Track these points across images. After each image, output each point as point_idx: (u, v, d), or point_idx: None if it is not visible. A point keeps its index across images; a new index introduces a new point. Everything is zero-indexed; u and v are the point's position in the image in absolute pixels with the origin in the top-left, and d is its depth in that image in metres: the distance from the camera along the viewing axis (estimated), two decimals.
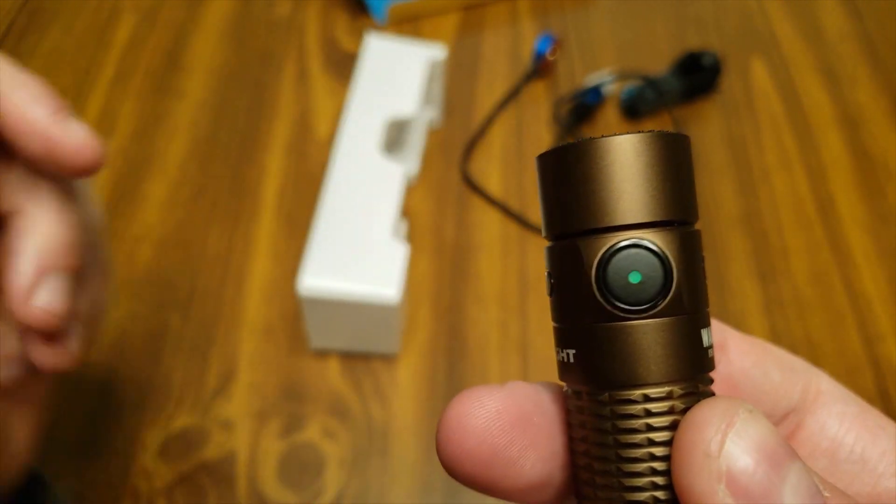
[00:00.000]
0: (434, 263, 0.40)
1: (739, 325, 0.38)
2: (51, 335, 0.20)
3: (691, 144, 0.13)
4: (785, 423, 0.16)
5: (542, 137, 0.46)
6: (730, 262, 0.40)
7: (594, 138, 0.12)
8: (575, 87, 0.48)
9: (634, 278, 0.12)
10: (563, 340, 0.13)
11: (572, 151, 0.13)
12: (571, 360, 0.13)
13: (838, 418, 0.16)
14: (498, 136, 0.46)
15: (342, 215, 0.34)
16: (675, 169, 0.13)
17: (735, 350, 0.16)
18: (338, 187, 0.35)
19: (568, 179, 0.13)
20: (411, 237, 0.40)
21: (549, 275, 0.13)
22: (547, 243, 0.14)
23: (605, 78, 0.47)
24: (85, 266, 0.21)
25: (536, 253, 0.41)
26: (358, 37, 0.51)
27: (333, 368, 0.36)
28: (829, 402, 0.16)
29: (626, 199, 0.12)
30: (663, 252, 0.12)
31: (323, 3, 0.53)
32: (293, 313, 0.37)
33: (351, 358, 0.36)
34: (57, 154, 0.20)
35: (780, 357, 0.16)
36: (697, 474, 0.12)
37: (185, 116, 0.46)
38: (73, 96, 0.46)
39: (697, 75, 0.47)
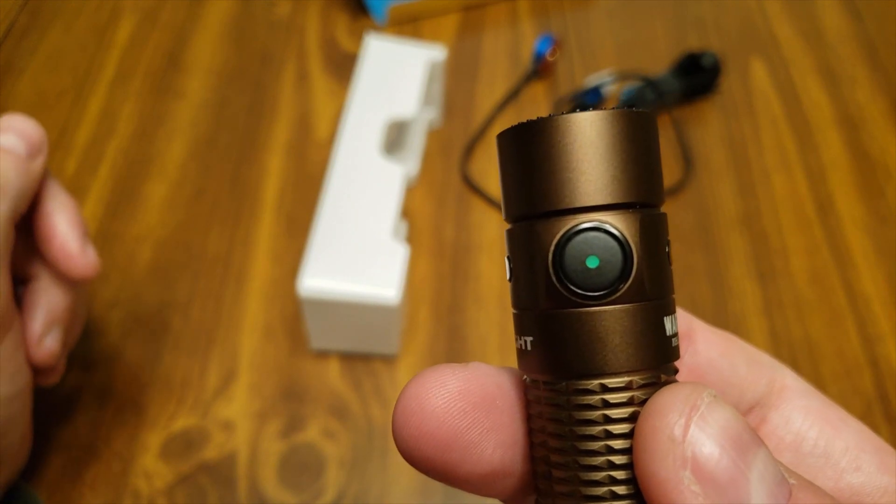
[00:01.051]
0: (434, 264, 0.40)
1: (739, 325, 0.38)
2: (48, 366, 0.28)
3: (656, 123, 0.13)
4: (750, 416, 0.16)
5: None
6: (729, 263, 0.41)
7: (553, 115, 0.12)
8: (575, 88, 0.48)
9: (592, 263, 0.12)
10: (521, 327, 0.13)
11: (531, 129, 0.12)
12: (529, 347, 0.13)
13: (802, 412, 0.16)
14: None
15: (342, 216, 0.34)
16: (638, 148, 0.12)
17: (702, 340, 0.16)
18: (338, 188, 0.35)
19: (526, 159, 0.12)
20: (411, 238, 0.41)
21: (509, 259, 0.13)
22: (507, 226, 0.13)
23: (604, 78, 0.47)
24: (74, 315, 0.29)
25: None
26: (358, 37, 0.51)
27: (334, 369, 0.36)
28: (793, 397, 0.16)
29: (585, 179, 0.12)
30: (623, 235, 0.12)
31: (323, 4, 0.53)
32: (293, 314, 0.37)
33: (351, 358, 0.36)
34: (71, 268, 0.27)
35: (746, 350, 0.16)
36: (661, 460, 0.11)
37: (186, 117, 0.46)
38: (73, 96, 0.46)
39: (697, 76, 0.47)
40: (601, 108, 0.12)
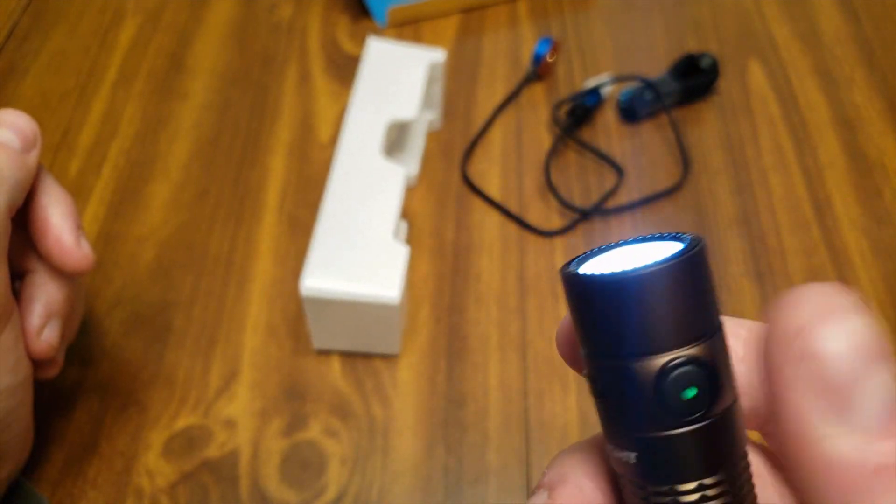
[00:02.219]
0: (434, 264, 0.40)
1: None
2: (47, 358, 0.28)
3: (706, 253, 0.14)
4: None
5: (542, 139, 0.46)
6: (727, 263, 0.41)
7: (627, 274, 0.13)
8: (574, 90, 0.49)
9: (690, 393, 0.13)
10: (621, 444, 0.14)
11: (607, 286, 0.13)
12: (633, 461, 0.14)
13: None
14: (497, 138, 0.46)
15: (344, 217, 0.35)
16: (704, 283, 0.13)
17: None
18: (340, 189, 0.36)
19: (605, 310, 0.13)
20: (412, 238, 0.41)
21: (594, 383, 0.14)
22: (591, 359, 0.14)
23: (603, 80, 0.47)
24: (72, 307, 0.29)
25: (536, 253, 0.41)
26: (359, 39, 0.51)
27: (335, 368, 0.36)
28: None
29: (670, 324, 0.13)
30: (713, 363, 0.13)
31: (324, 6, 0.53)
32: (295, 313, 0.38)
33: (352, 358, 0.36)
34: (66, 262, 0.27)
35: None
36: (785, 350, 0.12)
37: (189, 118, 0.46)
38: (76, 98, 0.47)
39: (695, 77, 0.48)
40: (669, 259, 0.13)
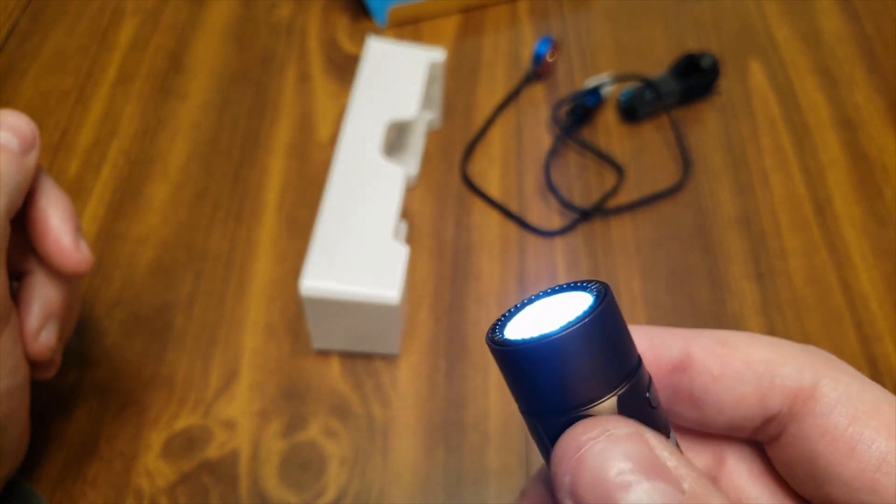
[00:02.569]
0: (434, 264, 0.40)
1: (737, 325, 0.38)
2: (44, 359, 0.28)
3: (613, 297, 0.14)
4: (769, 427, 0.16)
5: (542, 139, 0.46)
6: (728, 263, 0.41)
7: (537, 341, 0.13)
8: (574, 89, 0.49)
9: None
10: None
11: (521, 353, 0.14)
12: None
13: (819, 430, 0.15)
14: (497, 138, 0.46)
15: (344, 217, 0.35)
16: (616, 336, 0.14)
17: (697, 366, 0.16)
18: (339, 189, 0.36)
19: (520, 373, 0.14)
20: (411, 238, 0.41)
21: (531, 431, 0.15)
22: None
23: (604, 80, 0.47)
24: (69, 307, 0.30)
25: (536, 253, 0.41)
26: (359, 39, 0.51)
27: (335, 368, 0.36)
28: (819, 409, 0.15)
29: (581, 384, 0.14)
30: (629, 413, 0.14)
31: (324, 6, 0.53)
32: (294, 314, 0.38)
33: (352, 358, 0.36)
34: (65, 264, 0.27)
35: (754, 358, 0.16)
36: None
37: (188, 118, 0.46)
38: (75, 98, 0.47)
39: (696, 77, 0.48)
40: (573, 323, 0.13)
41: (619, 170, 0.44)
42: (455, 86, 0.48)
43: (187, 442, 0.33)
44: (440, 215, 0.42)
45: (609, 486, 0.12)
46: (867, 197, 0.44)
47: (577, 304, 0.14)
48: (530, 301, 0.15)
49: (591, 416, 0.14)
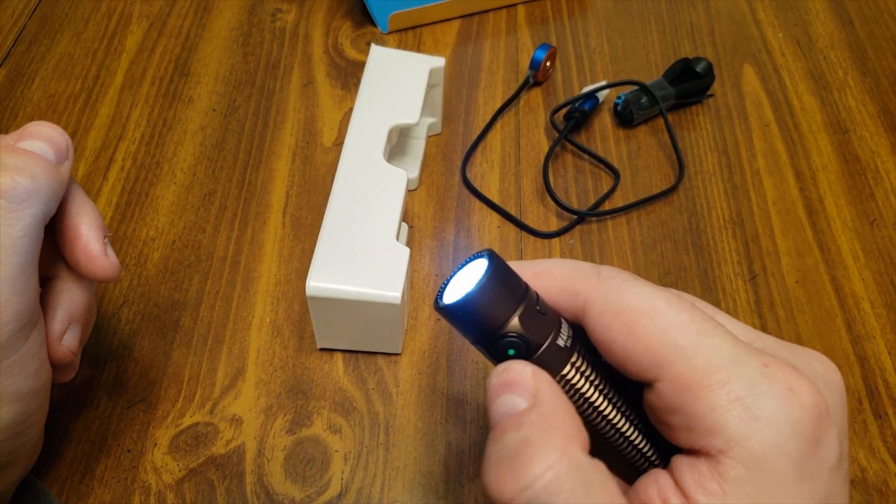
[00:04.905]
0: (435, 265, 0.41)
1: None
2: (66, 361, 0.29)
3: (498, 257, 0.23)
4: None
5: (540, 142, 0.47)
6: (722, 264, 0.42)
7: (462, 299, 0.22)
8: (571, 94, 0.49)
9: (511, 353, 0.22)
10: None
11: (454, 309, 0.22)
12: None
13: (602, 328, 0.22)
14: (497, 142, 0.47)
15: (348, 219, 0.35)
16: (505, 279, 0.22)
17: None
18: (343, 192, 0.36)
19: (458, 320, 0.22)
20: (413, 240, 0.42)
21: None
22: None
23: (600, 84, 0.48)
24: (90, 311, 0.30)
25: (534, 254, 0.42)
26: (361, 44, 0.52)
27: (338, 366, 0.37)
28: (592, 313, 0.23)
29: (493, 315, 0.22)
30: (522, 334, 0.22)
31: (327, 13, 0.54)
32: (299, 313, 0.38)
33: (355, 356, 0.37)
34: (94, 270, 0.28)
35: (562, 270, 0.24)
36: None
37: (194, 122, 0.47)
38: (83, 102, 0.48)
39: (691, 81, 0.48)
40: (481, 281, 0.22)
41: (615, 173, 0.45)
42: (455, 91, 0.49)
43: (194, 438, 0.34)
44: (441, 217, 0.43)
45: (488, 395, 0.22)
46: (859, 199, 0.45)
47: (478, 268, 0.22)
48: (453, 274, 0.23)
49: (507, 332, 0.21)
